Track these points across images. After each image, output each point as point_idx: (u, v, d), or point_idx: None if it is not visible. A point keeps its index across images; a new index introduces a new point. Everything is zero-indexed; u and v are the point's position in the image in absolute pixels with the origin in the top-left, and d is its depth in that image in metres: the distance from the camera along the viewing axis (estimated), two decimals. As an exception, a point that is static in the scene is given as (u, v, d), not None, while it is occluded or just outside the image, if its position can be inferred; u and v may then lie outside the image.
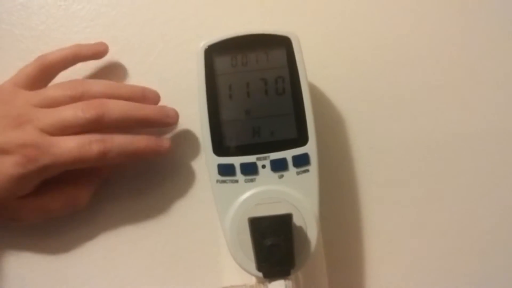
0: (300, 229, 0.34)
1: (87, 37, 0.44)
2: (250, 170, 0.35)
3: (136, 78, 0.43)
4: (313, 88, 0.36)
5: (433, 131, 0.42)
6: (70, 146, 0.36)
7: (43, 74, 0.40)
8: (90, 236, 0.40)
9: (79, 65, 0.42)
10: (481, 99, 0.43)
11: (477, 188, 0.42)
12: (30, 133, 0.36)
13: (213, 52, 0.36)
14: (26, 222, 0.39)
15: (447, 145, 0.42)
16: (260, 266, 0.32)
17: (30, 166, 0.35)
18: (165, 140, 0.40)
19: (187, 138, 0.42)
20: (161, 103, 0.41)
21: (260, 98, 0.36)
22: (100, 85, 0.39)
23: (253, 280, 0.36)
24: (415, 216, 0.41)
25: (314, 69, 0.37)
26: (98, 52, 0.42)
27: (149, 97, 0.41)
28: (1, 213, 0.37)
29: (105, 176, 0.41)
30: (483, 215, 0.41)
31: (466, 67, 0.44)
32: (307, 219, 0.34)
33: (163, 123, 0.40)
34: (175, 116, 0.40)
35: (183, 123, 0.42)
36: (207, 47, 0.36)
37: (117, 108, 0.38)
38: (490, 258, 0.40)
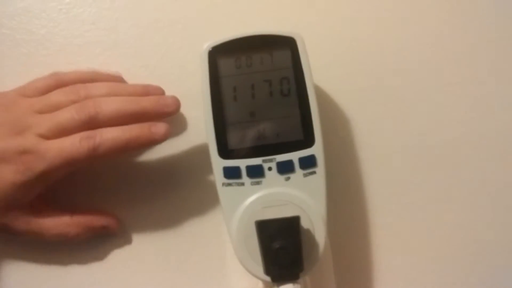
0: (308, 231, 0.33)
1: (88, 41, 0.43)
2: (256, 172, 0.34)
3: (139, 82, 0.42)
4: (317, 90, 0.35)
5: (441, 131, 0.42)
6: (61, 146, 0.36)
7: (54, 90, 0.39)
8: (94, 243, 0.40)
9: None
10: (491, 98, 0.43)
11: (487, 188, 0.41)
12: (28, 140, 0.35)
13: (217, 54, 0.35)
14: (20, 237, 0.38)
15: (455, 145, 0.42)
16: (268, 270, 0.32)
17: (28, 173, 0.35)
18: (160, 126, 0.36)
19: (192, 142, 0.42)
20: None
21: (265, 100, 0.35)
22: (103, 88, 0.39)
23: (259, 285, 0.35)
24: (425, 218, 0.41)
25: (317, 71, 0.36)
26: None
27: (152, 93, 0.40)
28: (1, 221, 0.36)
29: (112, 229, 0.39)
30: (494, 216, 0.41)
31: (475, 66, 0.43)
32: (315, 222, 0.33)
33: (161, 113, 0.38)
34: (174, 104, 0.38)
35: (188, 127, 0.41)
36: (211, 49, 0.35)
37: (110, 105, 0.37)
38: (501, 259, 0.40)
